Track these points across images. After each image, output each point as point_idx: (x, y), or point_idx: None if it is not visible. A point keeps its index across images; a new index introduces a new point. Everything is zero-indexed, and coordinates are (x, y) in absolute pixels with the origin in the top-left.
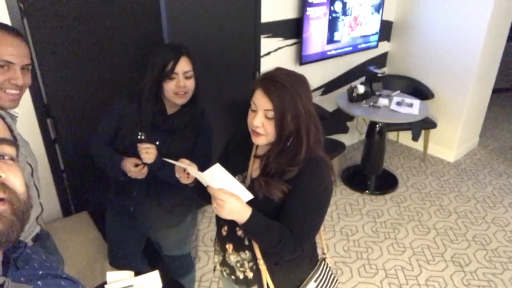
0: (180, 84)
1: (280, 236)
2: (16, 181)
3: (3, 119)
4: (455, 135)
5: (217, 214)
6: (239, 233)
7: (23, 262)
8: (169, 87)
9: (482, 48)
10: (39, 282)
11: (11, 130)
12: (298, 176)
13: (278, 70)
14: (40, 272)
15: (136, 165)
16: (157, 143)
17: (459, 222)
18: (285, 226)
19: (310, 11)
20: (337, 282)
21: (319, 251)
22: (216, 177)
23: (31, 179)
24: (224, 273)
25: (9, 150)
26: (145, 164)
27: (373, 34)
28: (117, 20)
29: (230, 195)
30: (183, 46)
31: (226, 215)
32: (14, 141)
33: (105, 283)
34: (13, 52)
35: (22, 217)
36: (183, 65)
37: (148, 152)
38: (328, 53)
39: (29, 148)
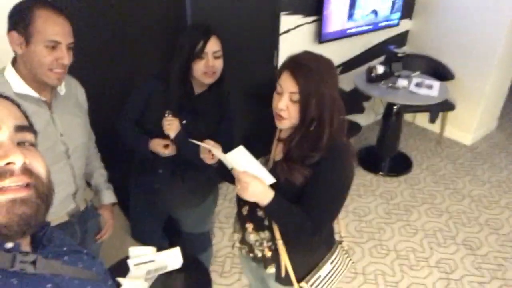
0: (209, 63)
1: (300, 220)
2: (39, 166)
3: (19, 106)
4: (473, 118)
5: (239, 196)
6: (260, 213)
7: (47, 240)
8: (198, 67)
9: (507, 29)
10: (65, 258)
11: (26, 117)
12: (320, 162)
13: (306, 53)
14: (65, 249)
15: (165, 146)
16: (183, 122)
17: (473, 206)
18: (305, 211)
19: None
20: (352, 264)
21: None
22: (240, 159)
23: (65, 157)
24: (243, 251)
25: (29, 136)
26: (170, 140)
27: (395, 12)
28: (140, 1)
29: (253, 177)
30: (212, 26)
31: (249, 197)
32: (31, 126)
33: (128, 257)
34: (59, 31)
35: (46, 200)
36: (213, 45)
37: (170, 124)
38: (348, 31)
39: (79, 122)
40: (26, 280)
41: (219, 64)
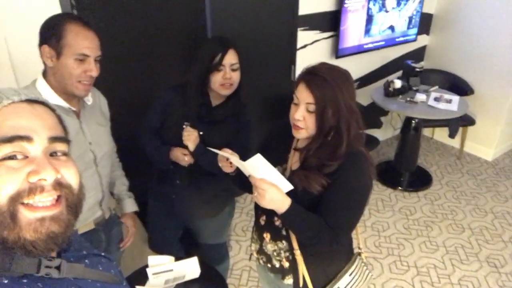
0: (226, 76)
1: (318, 229)
2: (71, 176)
3: (54, 111)
4: (494, 133)
5: (257, 203)
6: (277, 223)
7: (67, 244)
8: (216, 78)
9: None
10: (86, 261)
11: (61, 121)
12: (338, 171)
13: (322, 64)
14: (84, 252)
15: (184, 154)
16: (201, 133)
17: (496, 223)
18: (323, 220)
19: (348, 3)
20: (371, 277)
21: (354, 246)
22: (257, 167)
23: (93, 165)
24: (261, 261)
25: (62, 147)
26: (190, 152)
27: (412, 27)
28: (162, 14)
29: (271, 184)
30: (230, 39)
31: (266, 204)
32: (65, 136)
33: (147, 266)
34: (88, 45)
35: (75, 210)
36: (230, 58)
37: (189, 136)
38: (365, 46)
39: (104, 130)
40: (51, 284)
41: (236, 76)
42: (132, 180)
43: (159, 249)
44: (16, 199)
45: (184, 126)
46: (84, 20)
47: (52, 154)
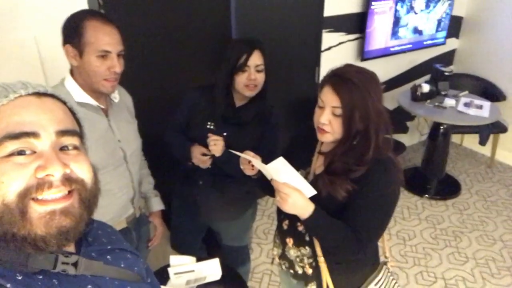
0: (251, 77)
1: (342, 236)
2: (82, 171)
3: (64, 103)
4: None
5: (279, 208)
6: (300, 228)
7: (92, 237)
8: (241, 79)
9: None
10: (108, 257)
11: (73, 113)
12: (365, 176)
13: (348, 66)
14: (109, 247)
15: (204, 155)
16: (225, 134)
17: None
18: (348, 227)
19: (375, 5)
20: (398, 286)
21: (380, 254)
22: (280, 171)
23: (124, 163)
24: (283, 266)
25: (71, 140)
26: (211, 156)
27: (440, 30)
28: (188, 15)
29: (293, 189)
30: (256, 40)
31: (288, 209)
32: (75, 129)
33: (168, 265)
34: (109, 41)
35: (89, 205)
36: (256, 59)
37: (216, 144)
38: (392, 49)
39: (132, 128)
40: (67, 281)
41: (260, 77)
42: (156, 179)
43: (181, 249)
44: (25, 195)
45: (208, 126)
46: (104, 15)
47: (63, 148)
